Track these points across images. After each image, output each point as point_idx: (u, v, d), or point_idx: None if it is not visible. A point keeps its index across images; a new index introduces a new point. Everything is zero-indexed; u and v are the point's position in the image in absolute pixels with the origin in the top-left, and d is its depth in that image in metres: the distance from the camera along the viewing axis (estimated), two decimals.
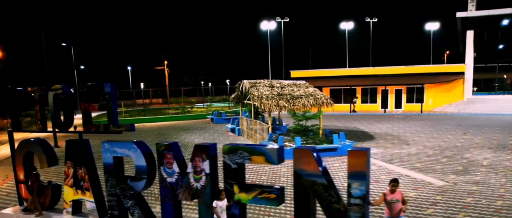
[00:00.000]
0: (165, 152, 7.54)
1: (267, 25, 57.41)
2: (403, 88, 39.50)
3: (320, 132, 18.94)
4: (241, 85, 22.47)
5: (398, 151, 16.74)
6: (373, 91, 41.04)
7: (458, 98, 38.10)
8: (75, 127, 8.85)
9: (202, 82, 75.43)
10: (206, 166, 7.12)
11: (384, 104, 40.19)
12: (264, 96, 19.02)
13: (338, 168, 13.79)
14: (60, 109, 8.90)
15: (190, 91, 74.76)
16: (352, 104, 39.66)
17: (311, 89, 20.60)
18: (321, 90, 43.24)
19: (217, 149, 7.29)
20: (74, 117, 8.93)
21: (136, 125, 33.19)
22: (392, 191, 6.79)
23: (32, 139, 9.25)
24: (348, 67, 49.84)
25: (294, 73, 47.25)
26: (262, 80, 21.57)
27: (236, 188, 6.95)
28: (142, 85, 47.66)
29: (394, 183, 6.82)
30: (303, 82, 22.04)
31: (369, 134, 22.45)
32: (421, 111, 36.90)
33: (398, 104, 39.89)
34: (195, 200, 7.38)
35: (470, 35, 37.07)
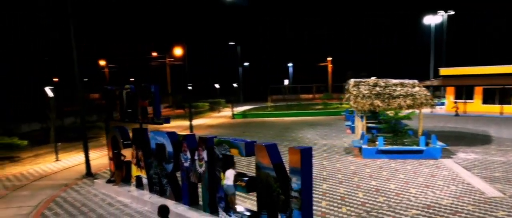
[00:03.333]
0: (183, 141, 9.31)
1: (431, 20, 53.85)
2: None
3: (419, 132, 18.30)
4: (348, 85, 22.82)
5: (495, 159, 15.25)
6: None
7: None
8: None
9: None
10: (205, 155, 8.64)
11: None
12: (360, 95, 19.21)
13: (407, 171, 13.52)
14: (132, 102, 11.31)
15: None
16: None
17: (416, 89, 19.84)
18: (473, 89, 39.67)
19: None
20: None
21: (277, 118, 35.66)
22: None
23: (115, 127, 11.99)
24: None
25: (443, 71, 43.85)
26: (367, 80, 21.59)
27: (222, 175, 8.29)
28: (286, 81, 50.42)
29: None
30: (411, 81, 21.22)
31: (488, 139, 20.42)
32: None
33: None
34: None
35: None
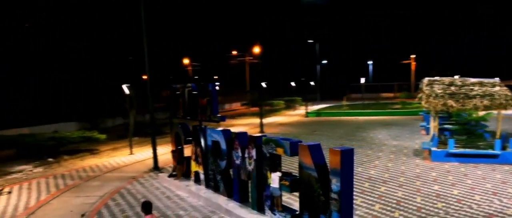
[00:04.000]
0: (235, 139, 9.59)
1: None
2: None
3: (497, 135, 17.00)
4: (421, 84, 21.77)
5: None
6: None
7: None
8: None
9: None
10: (254, 153, 8.83)
11: None
12: (433, 94, 18.28)
13: (476, 176, 12.63)
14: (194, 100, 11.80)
15: None
16: None
17: (496, 88, 18.40)
18: None
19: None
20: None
21: (352, 117, 34.89)
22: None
23: (178, 124, 12.60)
24: None
25: None
26: (442, 78, 20.43)
27: (269, 174, 8.41)
28: (362, 80, 48.74)
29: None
30: (492, 80, 19.73)
31: None
32: None
33: None
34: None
35: None
